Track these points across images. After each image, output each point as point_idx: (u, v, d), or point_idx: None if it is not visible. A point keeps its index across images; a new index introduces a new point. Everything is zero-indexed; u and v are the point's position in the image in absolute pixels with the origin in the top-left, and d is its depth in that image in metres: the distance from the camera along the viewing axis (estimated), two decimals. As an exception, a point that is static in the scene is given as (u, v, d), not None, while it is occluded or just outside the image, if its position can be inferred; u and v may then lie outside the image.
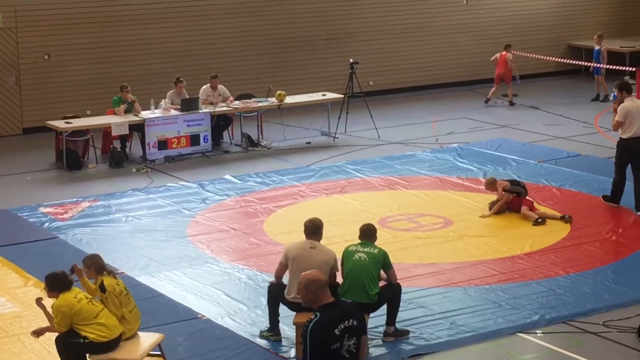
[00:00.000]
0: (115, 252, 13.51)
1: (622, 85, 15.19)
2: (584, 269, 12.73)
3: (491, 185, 15.25)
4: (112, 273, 9.93)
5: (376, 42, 24.71)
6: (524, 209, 14.77)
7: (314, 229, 10.55)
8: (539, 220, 14.52)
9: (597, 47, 24.40)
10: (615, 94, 15.30)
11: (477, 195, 15.88)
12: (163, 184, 17.19)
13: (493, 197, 15.30)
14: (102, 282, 9.71)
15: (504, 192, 15.01)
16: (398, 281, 10.71)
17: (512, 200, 14.98)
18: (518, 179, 15.99)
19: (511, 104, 23.60)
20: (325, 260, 10.31)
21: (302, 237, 10.68)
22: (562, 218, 14.65)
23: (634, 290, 11.89)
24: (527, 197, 15.04)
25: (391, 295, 10.59)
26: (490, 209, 15.03)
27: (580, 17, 27.42)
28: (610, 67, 23.86)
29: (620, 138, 15.04)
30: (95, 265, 9.84)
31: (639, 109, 14.89)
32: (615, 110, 15.11)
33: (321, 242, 10.66)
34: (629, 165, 15.14)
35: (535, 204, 15.03)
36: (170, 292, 12.21)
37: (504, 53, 23.91)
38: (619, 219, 14.72)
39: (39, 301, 9.74)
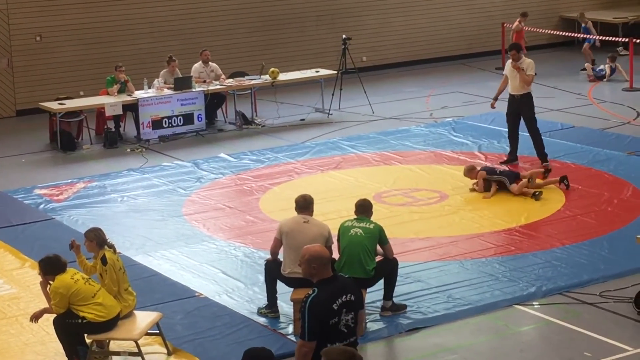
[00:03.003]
0: (111, 232, 13.41)
1: (518, 46, 16.42)
2: (579, 240, 12.76)
3: (470, 172, 15.08)
4: (113, 247, 9.99)
5: (368, 17, 24.64)
6: (514, 187, 14.64)
7: (305, 204, 10.60)
8: (536, 193, 14.50)
9: (583, 25, 24.46)
10: (510, 55, 15.95)
11: (472, 169, 15.87)
12: (158, 163, 17.18)
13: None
14: (104, 255, 9.76)
15: (483, 180, 14.87)
16: (395, 256, 10.73)
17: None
18: (492, 166, 15.48)
19: None
20: (319, 233, 10.34)
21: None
22: (562, 181, 14.73)
23: (630, 261, 11.91)
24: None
25: (388, 270, 10.62)
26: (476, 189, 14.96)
27: (573, -11, 27.38)
28: (603, 38, 23.87)
29: (529, 93, 15.88)
30: (98, 239, 9.90)
31: None
32: (517, 68, 15.71)
33: (317, 218, 10.68)
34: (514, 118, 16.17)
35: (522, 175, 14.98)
36: (167, 271, 12.24)
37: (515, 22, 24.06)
38: (613, 190, 14.74)
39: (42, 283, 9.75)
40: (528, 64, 15.80)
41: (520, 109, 15.95)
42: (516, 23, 24.17)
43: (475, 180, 14.97)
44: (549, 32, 25.55)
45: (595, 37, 23.99)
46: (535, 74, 16.03)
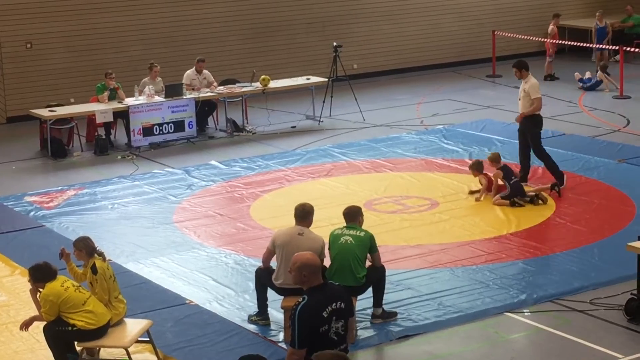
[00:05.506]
0: (102, 239, 13.44)
1: (524, 64, 15.29)
2: (570, 248, 12.77)
3: (496, 161, 14.84)
4: (102, 255, 9.97)
5: (359, 25, 24.68)
6: (495, 199, 14.59)
7: (304, 213, 10.50)
8: (517, 204, 14.45)
9: (600, 25, 24.40)
10: (515, 73, 15.20)
11: (463, 177, 15.90)
12: (148, 170, 17.16)
13: (476, 179, 15.18)
14: (94, 263, 9.74)
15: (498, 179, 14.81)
16: (385, 263, 10.73)
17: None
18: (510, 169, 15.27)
19: (547, 78, 23.60)
20: (312, 247, 10.21)
21: (288, 221, 10.68)
22: (552, 188, 14.68)
23: (620, 268, 11.90)
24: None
25: (376, 278, 10.60)
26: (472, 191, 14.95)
27: (563, -3, 27.45)
28: (594, 45, 23.94)
29: (539, 115, 15.17)
30: (87, 248, 9.88)
31: None
32: (528, 94, 14.96)
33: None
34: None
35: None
36: (158, 279, 12.21)
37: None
38: (604, 198, 14.76)
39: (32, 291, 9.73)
40: (531, 85, 15.00)
41: (525, 129, 15.26)
42: (551, 27, 24.20)
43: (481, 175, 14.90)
44: (539, 39, 25.58)
45: (606, 47, 24.07)
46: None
